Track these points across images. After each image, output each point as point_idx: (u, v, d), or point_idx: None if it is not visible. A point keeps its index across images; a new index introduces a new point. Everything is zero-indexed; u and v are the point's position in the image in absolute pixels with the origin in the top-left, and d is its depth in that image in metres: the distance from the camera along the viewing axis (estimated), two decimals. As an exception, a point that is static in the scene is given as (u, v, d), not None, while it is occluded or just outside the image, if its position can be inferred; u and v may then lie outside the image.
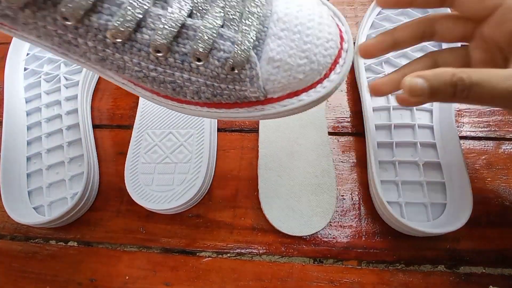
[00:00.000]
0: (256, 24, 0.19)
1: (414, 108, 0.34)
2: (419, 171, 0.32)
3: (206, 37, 0.18)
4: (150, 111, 0.35)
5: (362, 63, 0.35)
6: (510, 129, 0.34)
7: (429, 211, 0.30)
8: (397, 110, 0.34)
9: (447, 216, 0.30)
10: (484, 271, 0.29)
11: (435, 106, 0.34)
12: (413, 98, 0.22)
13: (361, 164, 0.34)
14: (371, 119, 0.33)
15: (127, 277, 0.31)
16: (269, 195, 0.32)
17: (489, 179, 0.32)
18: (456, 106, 0.35)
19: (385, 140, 0.33)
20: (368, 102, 0.34)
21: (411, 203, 0.31)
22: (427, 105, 0.34)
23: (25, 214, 0.33)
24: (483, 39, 0.24)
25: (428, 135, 0.33)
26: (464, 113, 0.35)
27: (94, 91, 0.41)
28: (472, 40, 0.25)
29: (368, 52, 0.27)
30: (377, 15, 0.38)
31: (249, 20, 0.19)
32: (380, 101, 0.35)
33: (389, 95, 0.34)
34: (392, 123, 0.33)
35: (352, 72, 0.38)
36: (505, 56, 0.23)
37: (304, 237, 0.31)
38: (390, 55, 0.36)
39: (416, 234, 0.29)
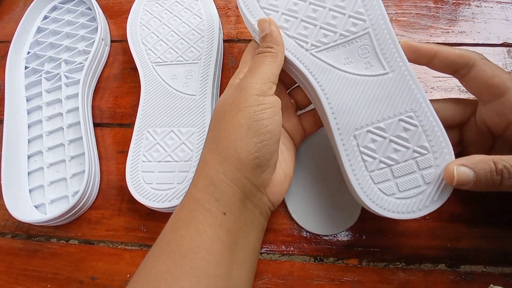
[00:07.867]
0: None
1: None
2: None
3: None
4: (151, 110, 0.35)
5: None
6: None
7: None
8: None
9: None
10: (484, 269, 0.29)
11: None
12: (459, 187, 0.23)
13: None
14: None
15: (128, 275, 0.31)
16: (294, 197, 0.32)
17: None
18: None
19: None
20: None
21: None
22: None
23: (26, 212, 0.33)
24: (479, 122, 0.26)
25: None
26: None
27: (95, 89, 0.41)
28: (467, 122, 0.27)
29: None
30: None
31: None
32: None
33: None
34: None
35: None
36: (494, 139, 0.26)
37: (305, 235, 0.31)
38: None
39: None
